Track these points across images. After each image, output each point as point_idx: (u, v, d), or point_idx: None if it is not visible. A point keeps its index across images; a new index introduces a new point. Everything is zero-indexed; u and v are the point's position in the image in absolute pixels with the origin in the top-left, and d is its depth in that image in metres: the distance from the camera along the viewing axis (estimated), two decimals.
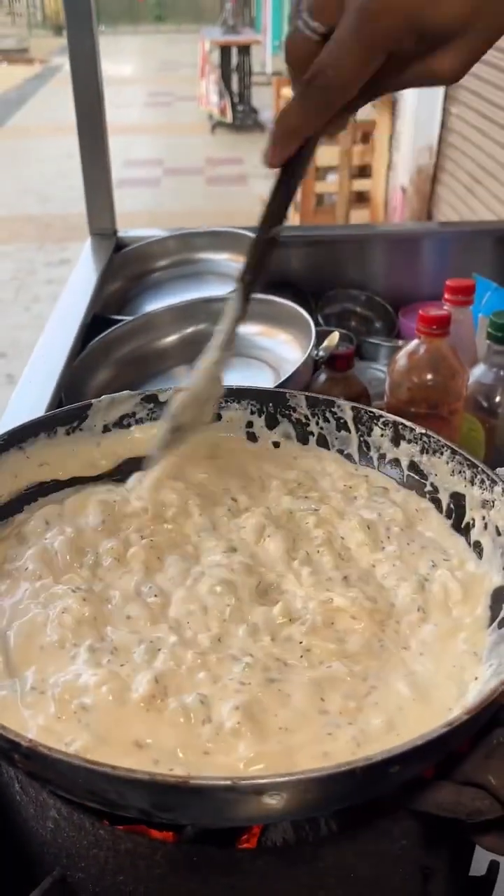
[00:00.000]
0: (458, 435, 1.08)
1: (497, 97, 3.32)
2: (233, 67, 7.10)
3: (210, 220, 5.13)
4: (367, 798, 0.47)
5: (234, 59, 7.10)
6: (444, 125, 4.05)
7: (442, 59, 0.52)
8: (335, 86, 0.52)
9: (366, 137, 4.77)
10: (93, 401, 0.75)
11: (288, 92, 4.73)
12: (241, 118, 7.21)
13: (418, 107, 4.09)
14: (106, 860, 0.49)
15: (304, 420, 0.79)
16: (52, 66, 11.50)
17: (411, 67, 0.53)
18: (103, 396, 0.76)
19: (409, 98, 4.17)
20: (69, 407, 0.76)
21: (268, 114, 6.90)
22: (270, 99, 6.12)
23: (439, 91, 3.92)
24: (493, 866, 0.63)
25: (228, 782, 0.40)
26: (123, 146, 6.48)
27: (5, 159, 6.77)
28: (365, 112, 4.73)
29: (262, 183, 5.95)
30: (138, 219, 4.96)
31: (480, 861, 0.64)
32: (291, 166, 0.59)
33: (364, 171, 4.82)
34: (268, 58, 9.11)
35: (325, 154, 4.64)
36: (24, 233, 5.15)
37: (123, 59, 12.28)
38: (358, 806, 0.48)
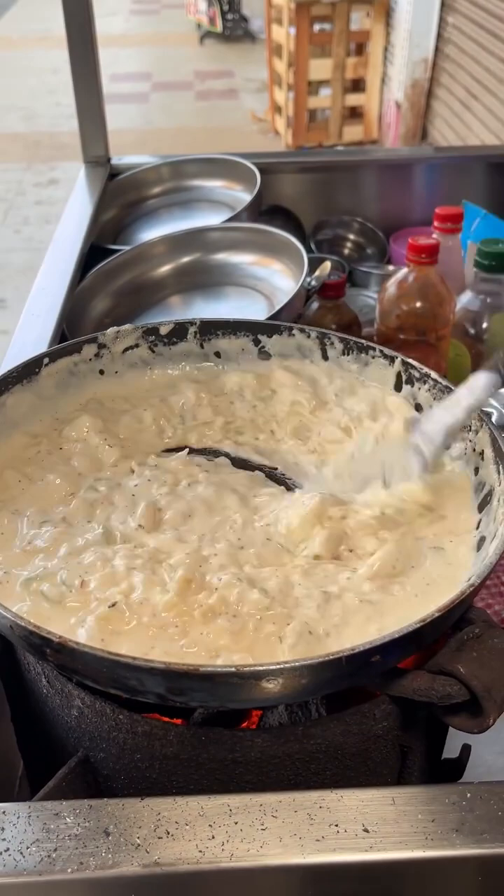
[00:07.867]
0: (445, 361, 1.12)
1: (496, 6, 3.21)
2: None
3: (201, 139, 5.02)
4: (352, 684, 0.54)
5: None
6: (440, 36, 3.92)
7: None
8: None
9: (360, 49, 4.62)
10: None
11: (279, 0, 4.55)
12: (231, 27, 6.91)
13: (414, 16, 3.95)
14: (125, 741, 0.57)
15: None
16: None
17: None
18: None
19: (404, 7, 4.02)
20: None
21: (259, 22, 6.63)
22: (261, 7, 5.88)
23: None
24: (465, 749, 0.72)
25: (233, 669, 0.46)
26: (110, 59, 6.23)
27: None
28: (358, 22, 4.58)
29: (253, 97, 5.77)
30: (127, 138, 4.84)
31: (454, 746, 0.73)
32: None
33: (358, 86, 4.68)
34: None
35: (318, 67, 4.49)
36: (11, 151, 5.02)
37: None
38: (344, 692, 0.55)
